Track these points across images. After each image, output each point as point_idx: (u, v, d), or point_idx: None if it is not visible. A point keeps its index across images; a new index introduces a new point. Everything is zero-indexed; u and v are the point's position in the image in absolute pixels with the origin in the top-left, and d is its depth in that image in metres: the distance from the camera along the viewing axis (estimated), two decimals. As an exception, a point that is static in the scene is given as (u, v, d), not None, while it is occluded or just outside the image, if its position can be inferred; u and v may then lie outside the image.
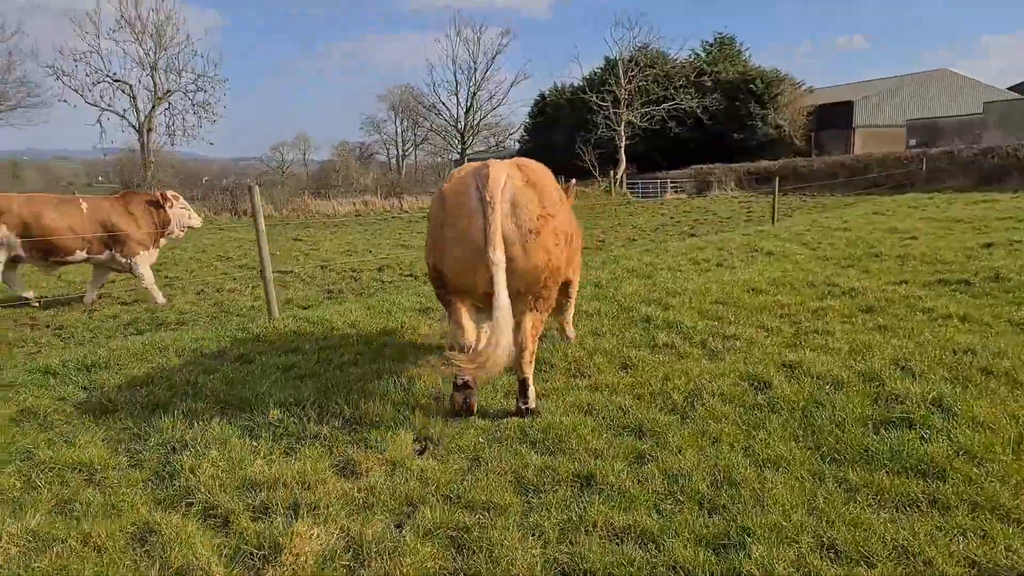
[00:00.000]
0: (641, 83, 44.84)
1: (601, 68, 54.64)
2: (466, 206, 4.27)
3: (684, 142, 56.95)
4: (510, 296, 4.13)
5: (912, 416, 4.18)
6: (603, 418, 4.43)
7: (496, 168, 4.32)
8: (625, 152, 47.42)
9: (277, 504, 3.40)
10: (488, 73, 47.31)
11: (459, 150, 48.36)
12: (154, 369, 5.90)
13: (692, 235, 18.17)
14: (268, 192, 34.79)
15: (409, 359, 5.99)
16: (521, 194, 4.31)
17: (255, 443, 4.21)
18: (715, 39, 63.16)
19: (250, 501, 3.48)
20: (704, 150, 53.87)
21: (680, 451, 3.90)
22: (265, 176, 76.23)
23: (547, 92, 66.81)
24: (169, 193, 10.67)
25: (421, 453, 4.09)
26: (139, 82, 39.82)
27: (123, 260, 9.97)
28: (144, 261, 10.08)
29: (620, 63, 45.69)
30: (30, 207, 9.30)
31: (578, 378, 5.37)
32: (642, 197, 43.14)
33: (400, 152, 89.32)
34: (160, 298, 10.15)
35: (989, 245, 11.92)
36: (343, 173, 55.75)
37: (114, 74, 38.50)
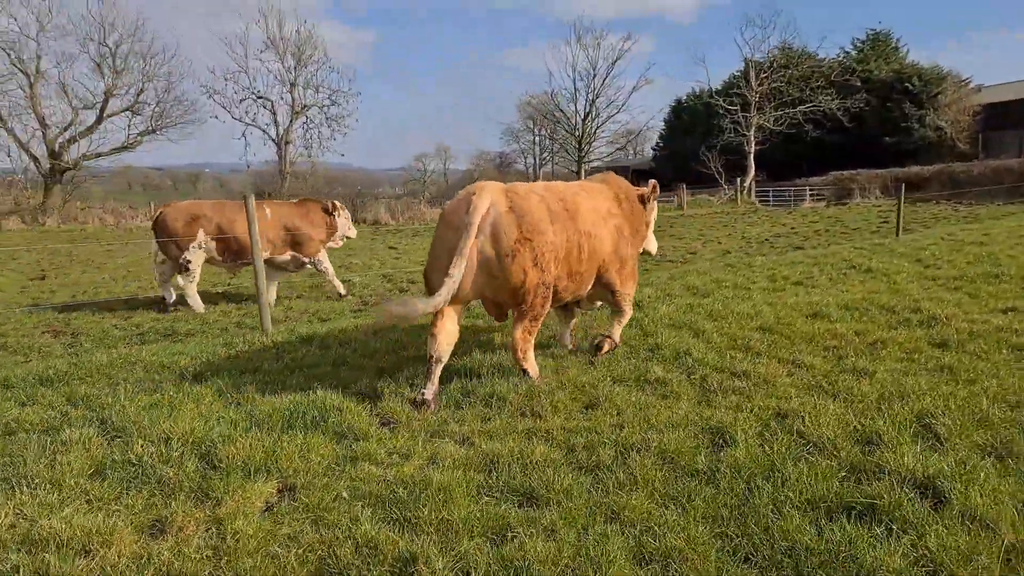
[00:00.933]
0: (775, 85, 42.02)
1: (740, 71, 51.97)
2: (452, 225, 4.97)
3: (829, 147, 52.87)
4: (501, 307, 5.25)
5: (879, 502, 3.14)
6: (496, 475, 3.65)
7: (481, 195, 4.95)
8: (756, 158, 44.73)
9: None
10: (608, 79, 46.25)
11: (576, 158, 47.40)
12: (97, 387, 5.52)
13: (799, 248, 16.51)
14: (387, 201, 35.87)
15: (350, 386, 5.47)
16: (501, 220, 4.90)
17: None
18: (868, 35, 58.40)
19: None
20: (852, 155, 49.72)
21: (550, 534, 3.07)
22: (409, 186, 79.12)
23: (684, 97, 64.68)
24: (337, 203, 11.49)
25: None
26: (280, 98, 42.55)
27: (305, 260, 10.79)
28: (325, 257, 11.00)
29: (751, 64, 43.14)
30: (224, 212, 10.16)
31: (525, 418, 4.65)
32: (773, 206, 40.44)
33: (537, 161, 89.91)
34: (342, 289, 11.08)
35: None
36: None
37: (257, 91, 41.36)
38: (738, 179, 38.75)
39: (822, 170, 47.40)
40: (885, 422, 4.20)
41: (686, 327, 7.20)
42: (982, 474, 3.37)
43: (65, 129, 37.37)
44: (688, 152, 53.20)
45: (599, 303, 6.66)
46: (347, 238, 11.74)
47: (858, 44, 58.96)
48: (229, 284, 12.98)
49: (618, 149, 49.30)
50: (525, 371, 5.33)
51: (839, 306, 8.09)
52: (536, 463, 3.78)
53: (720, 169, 41.04)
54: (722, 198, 39.70)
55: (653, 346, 6.36)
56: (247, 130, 41.61)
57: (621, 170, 70.11)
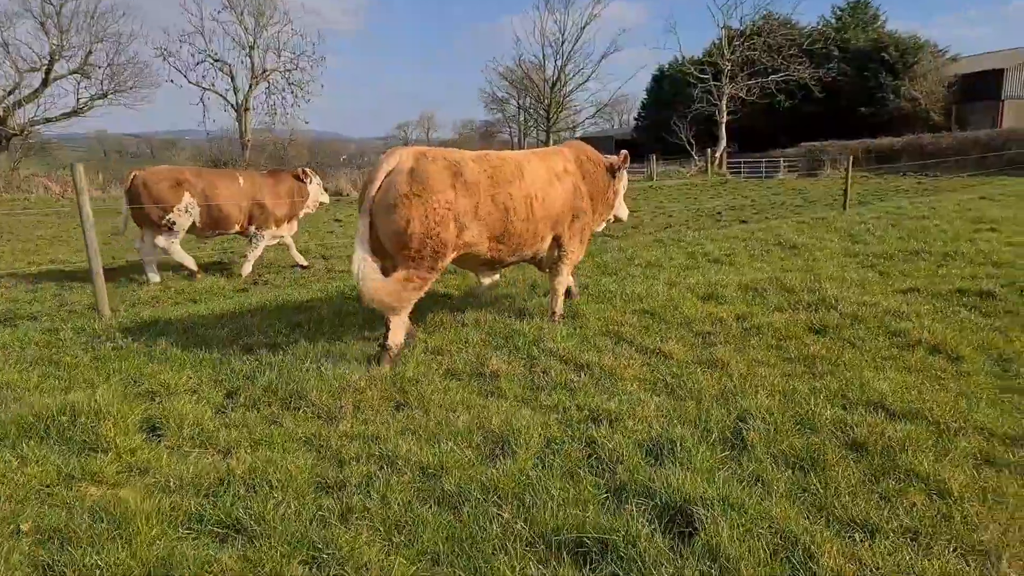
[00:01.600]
0: (748, 53, 41.16)
1: (718, 39, 50.71)
2: (365, 182, 5.40)
3: (806, 117, 52.26)
4: (387, 252, 5.31)
5: (613, 537, 2.68)
6: (214, 505, 3.09)
7: (389, 157, 5.35)
8: (732, 129, 44.08)
9: None
10: (577, 45, 44.85)
11: (544, 127, 46.16)
12: None
13: (743, 221, 16.05)
14: (349, 171, 35.00)
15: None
16: (397, 177, 5.18)
17: None
18: (847, 3, 57.52)
19: None
20: (828, 126, 49.17)
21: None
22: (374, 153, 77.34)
23: (667, 66, 63.34)
24: (308, 170, 11.41)
25: None
26: (241, 62, 41.21)
27: (253, 230, 10.49)
28: (268, 237, 10.69)
29: (725, 32, 42.26)
30: (205, 178, 10.05)
31: (319, 421, 4.12)
32: (745, 177, 39.96)
33: (521, 130, 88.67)
34: (247, 271, 10.54)
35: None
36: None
37: (215, 53, 39.99)
38: (708, 150, 38.11)
39: (799, 141, 46.85)
40: (695, 427, 3.77)
41: (566, 310, 6.73)
42: (746, 498, 2.93)
43: (9, 93, 36.04)
44: (669, 122, 52.39)
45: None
46: (321, 204, 11.75)
47: (838, 12, 58.21)
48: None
49: (588, 118, 48.12)
50: (386, 332, 5.32)
51: (738, 287, 7.65)
52: (277, 482, 3.29)
53: (691, 140, 40.34)
54: (692, 169, 39.11)
55: (511, 332, 5.88)
56: (204, 95, 40.29)
57: (604, 140, 69.21)
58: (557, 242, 6.28)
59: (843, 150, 40.10)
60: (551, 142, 45.66)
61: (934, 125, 48.07)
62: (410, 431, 3.88)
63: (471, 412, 4.18)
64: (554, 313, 6.44)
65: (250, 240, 10.59)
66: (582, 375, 4.85)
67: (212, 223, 10.02)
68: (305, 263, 11.13)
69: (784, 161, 42.57)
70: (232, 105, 40.67)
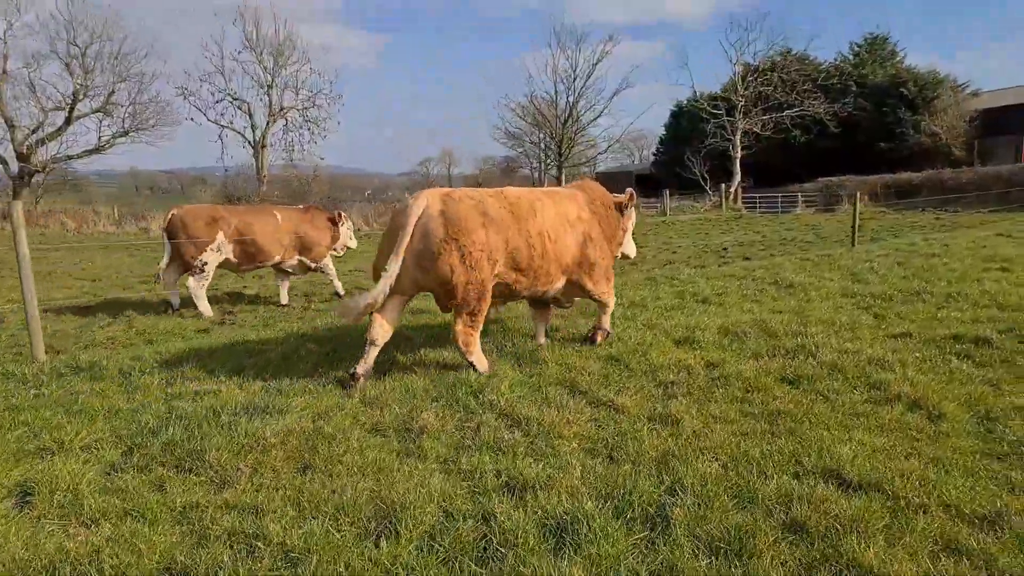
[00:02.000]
0: (762, 89, 40.88)
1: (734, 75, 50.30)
2: (394, 226, 5.54)
3: (824, 153, 51.68)
4: (440, 300, 5.68)
5: None
6: None
7: (417, 200, 5.48)
8: (749, 164, 43.63)
9: None
10: (588, 82, 44.82)
11: (556, 163, 45.81)
12: None
13: (747, 258, 15.55)
14: (362, 206, 35.08)
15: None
16: (431, 222, 5.36)
17: None
18: (865, 39, 57.27)
19: None
20: (846, 161, 48.58)
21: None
22: (413, 189, 77.62)
23: (685, 102, 63.33)
24: (343, 214, 11.90)
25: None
26: (259, 100, 41.78)
27: (311, 264, 11.22)
28: (331, 262, 11.51)
29: (738, 67, 42.11)
30: (242, 216, 10.53)
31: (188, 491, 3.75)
32: (761, 212, 39.40)
33: (541, 165, 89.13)
34: (342, 290, 11.51)
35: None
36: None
37: (234, 92, 40.60)
38: (723, 185, 37.66)
39: (817, 176, 46.24)
40: (616, 501, 3.30)
41: (526, 357, 6.31)
42: None
43: (34, 131, 36.77)
44: (686, 157, 52.00)
45: (576, 299, 7.01)
46: (347, 248, 12.05)
47: (855, 48, 57.94)
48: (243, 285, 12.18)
49: (600, 154, 47.72)
50: (472, 365, 5.71)
51: (718, 330, 7.18)
52: (114, 568, 2.88)
53: (705, 175, 39.95)
54: (707, 204, 38.65)
55: (456, 381, 5.46)
56: (223, 133, 40.83)
57: (623, 175, 68.95)
58: (582, 289, 6.53)
59: (861, 185, 39.38)
60: (564, 178, 45.50)
61: (955, 160, 47.20)
62: (294, 502, 3.46)
63: (378, 478, 3.76)
64: (596, 339, 6.80)
65: (323, 272, 11.44)
66: (516, 432, 4.40)
67: (248, 257, 10.47)
68: (285, 302, 11.10)
69: (802, 196, 41.94)
70: (250, 142, 41.12)
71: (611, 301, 6.85)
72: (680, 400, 5.01)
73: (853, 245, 15.76)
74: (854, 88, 51.37)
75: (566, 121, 42.75)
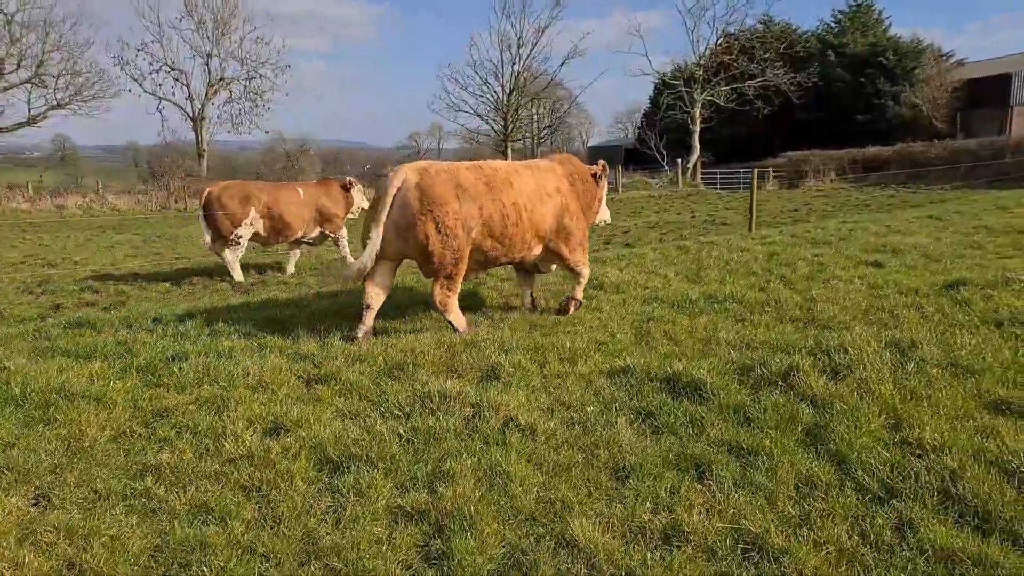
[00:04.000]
0: (723, 58, 38.64)
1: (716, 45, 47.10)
2: (376, 200, 6.03)
3: (802, 125, 49.56)
4: (422, 266, 6.12)
5: None
6: None
7: (396, 175, 5.98)
8: (715, 138, 41.56)
9: None
10: (534, 51, 42.36)
11: (501, 136, 43.15)
12: None
13: (628, 245, 13.83)
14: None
15: None
16: (408, 194, 5.85)
17: None
18: (849, 6, 54.73)
19: None
20: (826, 134, 46.39)
21: None
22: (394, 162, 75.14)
23: (669, 74, 60.73)
24: (352, 179, 12.70)
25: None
26: (203, 71, 39.82)
27: (331, 235, 12.01)
28: (345, 235, 12.29)
29: (694, 36, 39.78)
30: (271, 193, 11.20)
31: None
32: (721, 189, 37.51)
33: (535, 138, 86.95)
34: (351, 259, 11.74)
35: (953, 286, 7.14)
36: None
37: (171, 62, 38.63)
38: (679, 160, 35.71)
39: (794, 149, 44.10)
40: None
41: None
42: None
43: (-42, 102, 35.05)
44: (665, 132, 49.60)
45: (554, 267, 7.33)
46: (362, 209, 12.37)
47: (837, 16, 55.41)
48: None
49: (547, 127, 44.79)
50: (451, 323, 6.15)
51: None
52: None
53: (662, 150, 37.96)
54: (662, 181, 36.72)
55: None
56: (160, 105, 38.92)
57: (614, 149, 66.51)
58: (558, 256, 6.87)
59: (827, 160, 37.57)
60: (509, 155, 43.28)
61: (937, 133, 45.04)
62: None
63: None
64: (569, 309, 7.02)
65: (336, 243, 12.25)
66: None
67: (276, 232, 11.26)
68: (292, 272, 11.93)
69: (773, 172, 39.83)
70: (188, 115, 39.24)
71: (585, 272, 7.10)
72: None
73: (750, 230, 14.01)
74: (832, 57, 49.16)
75: (511, 92, 40.39)
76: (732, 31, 39.47)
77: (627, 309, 7.19)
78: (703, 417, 4.09)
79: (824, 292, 7.46)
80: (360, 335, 5.99)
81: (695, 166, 38.35)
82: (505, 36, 41.68)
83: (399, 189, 5.82)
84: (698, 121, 39.59)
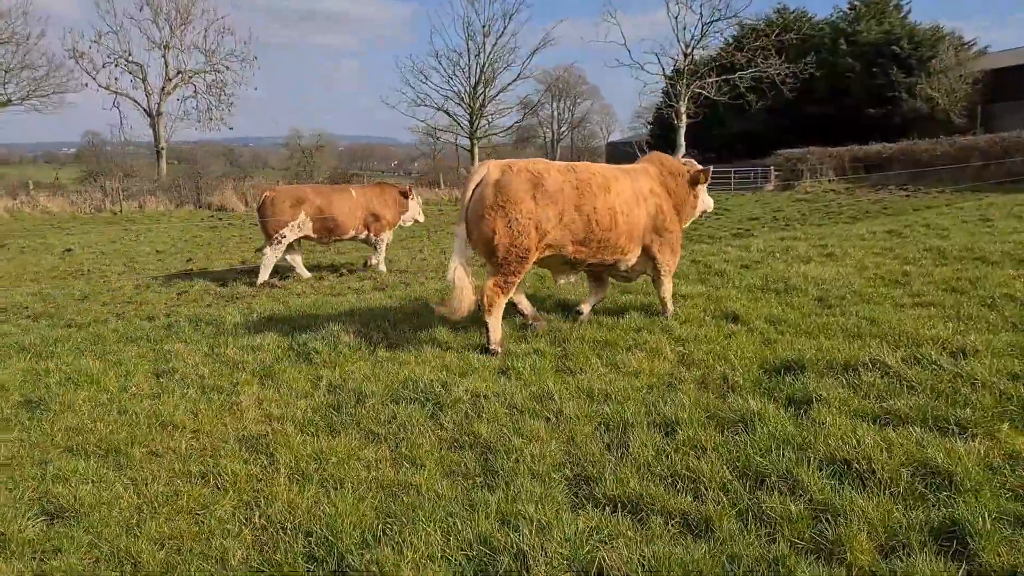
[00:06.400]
0: (709, 43, 35.60)
1: (736, 35, 43.30)
2: (462, 192, 6.17)
3: (814, 120, 46.16)
4: (482, 257, 6.10)
5: None
6: None
7: (477, 170, 6.07)
8: (737, 134, 38.39)
9: None
10: (500, 41, 38.95)
11: (467, 134, 39.96)
12: None
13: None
14: (234, 183, 31.17)
15: None
16: (485, 189, 5.78)
17: None
18: (865, -7, 51.05)
19: None
20: (838, 129, 42.99)
21: None
22: (425, 160, 72.90)
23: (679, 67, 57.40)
24: (412, 188, 12.83)
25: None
26: (165, 64, 37.90)
27: (373, 238, 11.96)
28: (386, 240, 12.16)
29: (672, 21, 36.61)
30: (325, 196, 11.51)
31: None
32: (712, 189, 34.51)
33: (555, 134, 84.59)
34: (383, 268, 11.95)
35: (779, 371, 4.60)
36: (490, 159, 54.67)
37: (128, 54, 36.73)
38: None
39: (808, 145, 40.80)
40: None
41: None
42: None
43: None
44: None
45: (640, 277, 7.15)
46: (416, 221, 12.88)
47: (853, 3, 51.80)
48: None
49: (517, 123, 41.55)
50: (487, 327, 5.87)
51: None
52: None
53: (644, 148, 35.06)
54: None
55: None
56: (116, 100, 37.07)
57: (632, 145, 63.46)
58: (649, 255, 6.71)
59: (826, 159, 34.46)
60: (476, 153, 40.32)
61: (955, 128, 41.41)
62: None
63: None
64: (667, 310, 6.81)
65: (374, 246, 12.04)
66: None
67: (327, 232, 11.50)
68: (304, 275, 11.67)
69: (774, 171, 36.64)
70: (145, 110, 37.38)
71: (667, 280, 6.84)
72: None
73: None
74: (843, 46, 45.78)
75: (476, 84, 37.58)
76: (728, 17, 36.09)
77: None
78: None
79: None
80: (534, 323, 6.41)
81: (680, 165, 35.30)
82: (470, 24, 38.56)
83: (478, 185, 5.87)
84: (684, 116, 36.50)
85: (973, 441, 3.52)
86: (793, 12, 51.19)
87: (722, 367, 4.93)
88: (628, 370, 5.07)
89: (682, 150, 35.53)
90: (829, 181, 33.22)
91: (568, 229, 5.96)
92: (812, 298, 7.20)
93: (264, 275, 10.93)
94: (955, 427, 3.68)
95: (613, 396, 4.52)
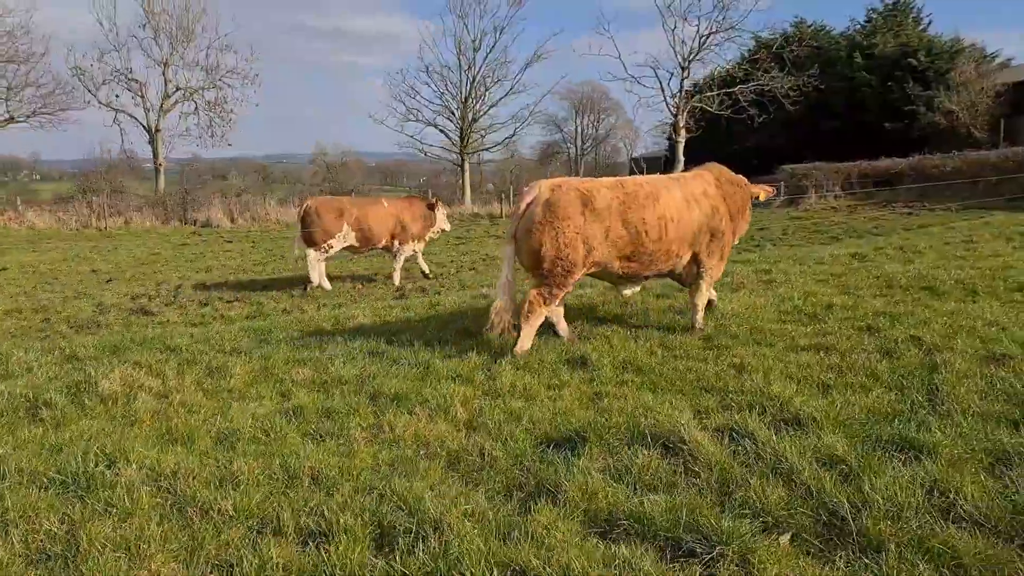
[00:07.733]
0: (706, 53, 34.44)
1: (750, 51, 42.01)
2: (513, 210, 6.41)
3: (830, 135, 44.63)
4: (527, 270, 6.18)
5: None
6: None
7: (530, 190, 6.11)
8: (755, 147, 37.13)
9: None
10: (491, 55, 38.18)
11: (458, 150, 38.99)
12: None
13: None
14: (222, 198, 30.82)
15: None
16: (535, 207, 5.89)
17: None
18: (884, 5, 49.55)
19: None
20: (855, 144, 41.43)
21: None
22: (446, 176, 72.59)
23: (700, 81, 55.98)
24: (439, 200, 13.57)
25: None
26: (164, 82, 37.90)
27: (394, 247, 12.48)
28: (407, 252, 12.60)
29: (669, 35, 35.45)
30: (361, 207, 12.22)
31: None
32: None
33: (579, 150, 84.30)
34: (398, 281, 12.45)
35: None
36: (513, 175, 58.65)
37: (129, 71, 36.77)
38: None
39: (826, 160, 39.33)
40: None
41: None
42: None
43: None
44: (715, 142, 45.15)
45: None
46: (443, 231, 13.61)
47: (870, 15, 50.27)
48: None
49: (508, 138, 40.46)
50: (519, 330, 5.93)
51: None
52: None
53: (643, 164, 34.02)
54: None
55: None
56: (117, 117, 37.09)
57: (655, 160, 62.69)
58: (696, 259, 6.59)
59: (833, 174, 33.07)
60: (467, 169, 39.57)
61: (976, 142, 39.64)
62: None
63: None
64: (695, 326, 6.57)
65: (395, 255, 12.53)
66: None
67: (365, 242, 12.17)
68: (428, 273, 13.24)
69: (783, 187, 35.21)
70: (144, 127, 37.36)
71: (707, 287, 6.73)
72: None
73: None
74: (859, 59, 44.35)
75: (466, 100, 36.73)
76: (725, 30, 34.96)
77: None
78: None
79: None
80: (567, 336, 6.34)
81: (679, 182, 34.17)
82: (460, 39, 37.77)
83: (531, 203, 5.94)
84: (682, 131, 35.35)
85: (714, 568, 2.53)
86: (811, 25, 49.89)
87: (503, 437, 3.96)
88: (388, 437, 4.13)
89: (680, 165, 34.41)
90: (835, 197, 31.86)
91: (615, 245, 6.00)
92: (698, 337, 6.21)
93: (315, 277, 11.61)
94: (704, 545, 2.69)
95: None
